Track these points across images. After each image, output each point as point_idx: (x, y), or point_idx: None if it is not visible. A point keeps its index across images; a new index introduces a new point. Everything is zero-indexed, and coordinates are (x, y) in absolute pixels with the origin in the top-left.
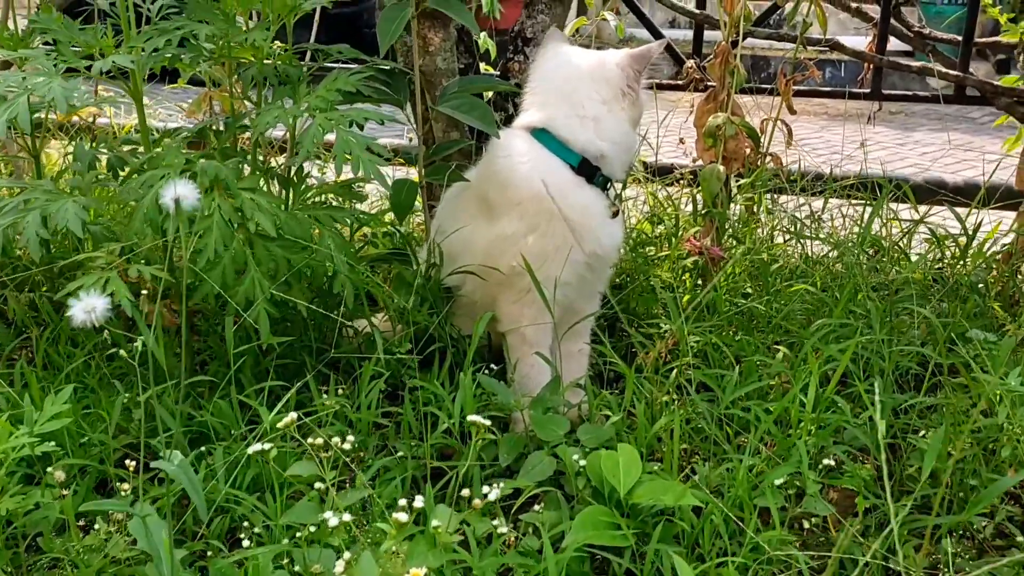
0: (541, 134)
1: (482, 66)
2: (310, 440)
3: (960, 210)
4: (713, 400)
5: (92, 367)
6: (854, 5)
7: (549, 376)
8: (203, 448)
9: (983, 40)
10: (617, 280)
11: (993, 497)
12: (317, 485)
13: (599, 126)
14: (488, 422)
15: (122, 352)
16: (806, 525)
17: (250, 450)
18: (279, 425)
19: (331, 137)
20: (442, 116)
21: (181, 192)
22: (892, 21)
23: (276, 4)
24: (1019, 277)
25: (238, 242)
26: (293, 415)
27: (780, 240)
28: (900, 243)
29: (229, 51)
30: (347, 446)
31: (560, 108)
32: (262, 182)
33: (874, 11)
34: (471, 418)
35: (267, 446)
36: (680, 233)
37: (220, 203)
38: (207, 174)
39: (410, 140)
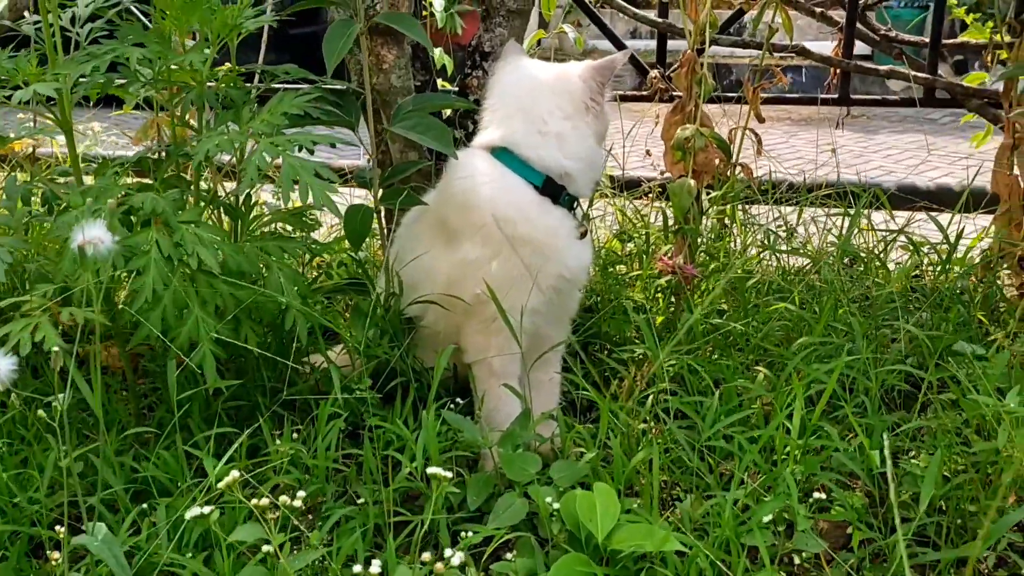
0: (502, 153)
1: (440, 83)
2: (254, 501)
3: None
4: (693, 427)
5: (28, 419)
6: (819, 10)
7: (519, 409)
8: (144, 505)
9: (949, 41)
10: (588, 302)
11: (1002, 531)
12: (266, 548)
13: (563, 143)
14: (449, 474)
15: (41, 412)
16: (796, 561)
17: (188, 515)
18: (220, 485)
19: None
20: (399, 136)
21: (92, 235)
22: (858, 25)
23: (216, 24)
24: (999, 283)
25: (179, 279)
26: (236, 474)
27: (755, 253)
28: (878, 253)
29: (169, 75)
30: (298, 503)
31: (521, 125)
32: (208, 213)
33: (840, 16)
34: (431, 470)
35: (207, 509)
36: (651, 251)
37: (158, 238)
38: (143, 207)
39: (369, 162)
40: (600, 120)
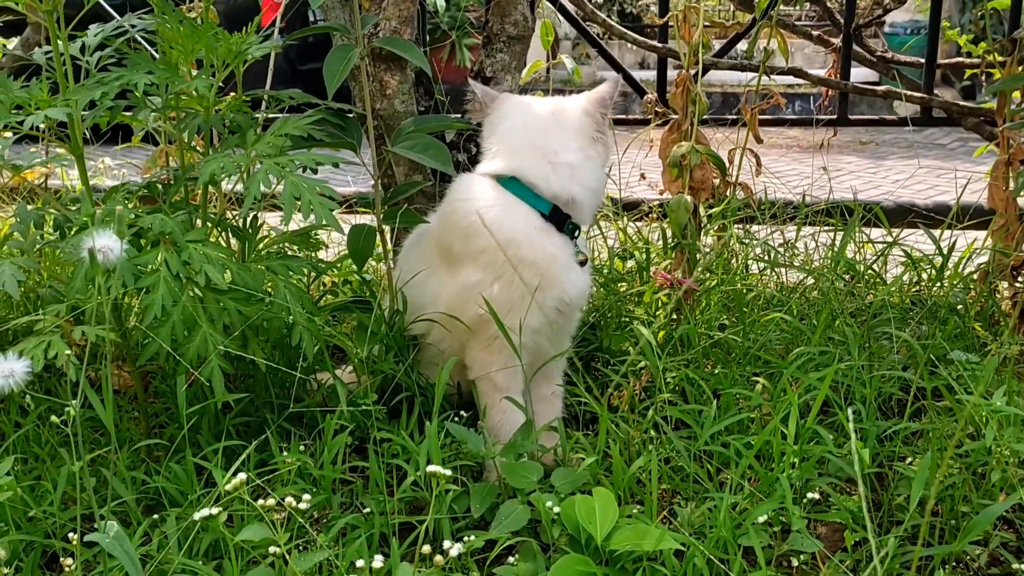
0: (509, 181)
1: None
2: (260, 502)
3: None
4: (693, 436)
5: (42, 436)
6: (816, 33)
7: (521, 420)
8: (155, 516)
9: (945, 62)
10: (590, 319)
11: (985, 525)
12: (272, 549)
13: (575, 172)
14: (449, 472)
15: (54, 418)
16: (794, 563)
17: (197, 516)
18: (227, 488)
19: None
20: (403, 159)
21: (102, 243)
22: (854, 47)
23: (220, 51)
24: (997, 296)
25: (187, 297)
26: (242, 476)
27: (755, 269)
28: (874, 267)
29: (177, 101)
30: (303, 506)
31: (531, 157)
32: (216, 234)
33: (837, 39)
34: (431, 468)
35: (215, 511)
36: (651, 267)
37: (167, 257)
38: (152, 228)
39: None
40: (607, 149)
